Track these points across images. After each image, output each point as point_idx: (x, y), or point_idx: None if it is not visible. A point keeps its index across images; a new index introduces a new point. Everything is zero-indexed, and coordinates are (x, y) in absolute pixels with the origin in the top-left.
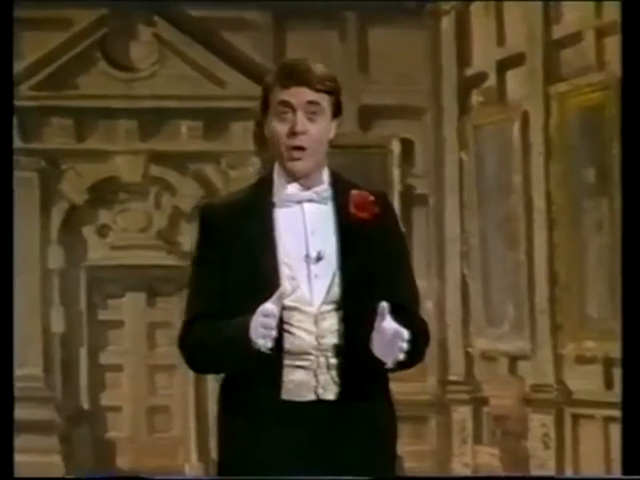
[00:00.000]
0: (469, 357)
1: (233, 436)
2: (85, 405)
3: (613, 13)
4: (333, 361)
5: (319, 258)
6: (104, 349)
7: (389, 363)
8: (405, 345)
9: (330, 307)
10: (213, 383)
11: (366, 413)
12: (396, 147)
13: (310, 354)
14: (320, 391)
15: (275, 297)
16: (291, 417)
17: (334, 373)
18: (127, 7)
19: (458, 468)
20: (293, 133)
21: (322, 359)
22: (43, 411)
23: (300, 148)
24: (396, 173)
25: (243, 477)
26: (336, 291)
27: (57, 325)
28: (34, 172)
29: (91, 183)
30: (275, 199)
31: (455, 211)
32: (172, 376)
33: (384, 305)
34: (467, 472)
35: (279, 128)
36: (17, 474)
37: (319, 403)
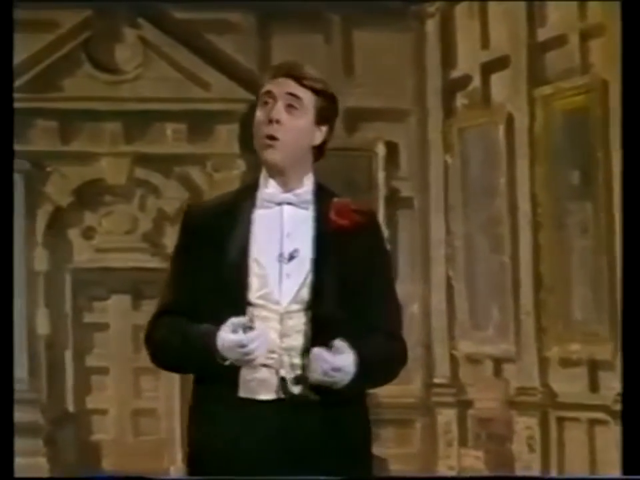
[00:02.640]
0: (454, 360)
1: (198, 431)
2: (70, 408)
3: (597, 15)
4: (297, 360)
5: (291, 257)
6: (89, 351)
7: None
8: (327, 380)
9: (298, 306)
10: None
11: (329, 414)
12: (381, 149)
13: (274, 352)
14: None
15: (233, 326)
16: (251, 414)
17: (297, 372)
18: (112, 9)
19: (443, 471)
20: (268, 121)
21: (285, 358)
22: (28, 414)
23: (272, 137)
24: (381, 175)
25: (243, 476)
26: (305, 292)
27: (42, 327)
28: (19, 174)
29: (76, 185)
30: (257, 199)
31: (440, 214)
32: (157, 379)
33: (339, 344)
34: (452, 475)
35: (259, 117)
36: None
37: (280, 402)
